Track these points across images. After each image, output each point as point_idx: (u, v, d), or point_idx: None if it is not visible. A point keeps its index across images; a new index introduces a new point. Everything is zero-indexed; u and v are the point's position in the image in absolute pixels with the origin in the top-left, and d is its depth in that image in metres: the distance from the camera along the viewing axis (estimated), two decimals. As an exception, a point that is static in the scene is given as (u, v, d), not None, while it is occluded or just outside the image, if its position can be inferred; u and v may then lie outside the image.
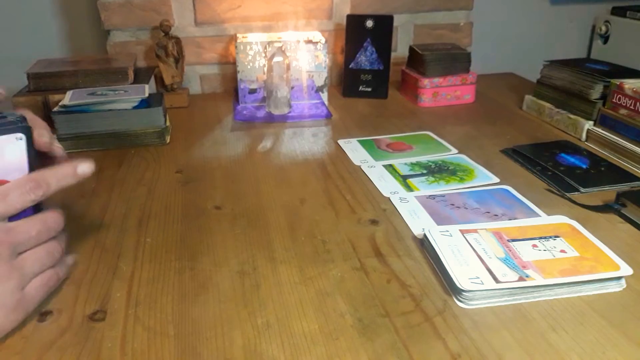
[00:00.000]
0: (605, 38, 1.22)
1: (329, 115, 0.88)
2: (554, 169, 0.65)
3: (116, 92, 0.78)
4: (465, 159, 0.70)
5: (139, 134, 0.75)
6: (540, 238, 0.48)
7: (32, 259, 0.39)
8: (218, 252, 0.50)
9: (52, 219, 0.41)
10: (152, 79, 0.94)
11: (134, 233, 0.53)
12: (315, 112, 0.89)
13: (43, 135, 0.42)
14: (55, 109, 0.74)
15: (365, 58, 0.97)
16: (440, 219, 0.54)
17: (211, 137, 0.80)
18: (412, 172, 0.66)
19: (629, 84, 0.70)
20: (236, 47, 0.90)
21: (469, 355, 0.37)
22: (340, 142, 0.77)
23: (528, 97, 0.89)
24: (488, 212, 0.56)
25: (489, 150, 0.73)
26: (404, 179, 0.64)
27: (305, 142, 0.77)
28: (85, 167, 0.43)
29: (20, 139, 0.40)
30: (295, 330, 0.39)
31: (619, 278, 0.44)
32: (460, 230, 0.49)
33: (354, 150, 0.74)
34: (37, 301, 0.41)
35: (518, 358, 0.36)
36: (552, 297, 0.43)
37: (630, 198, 0.54)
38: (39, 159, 0.42)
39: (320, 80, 0.93)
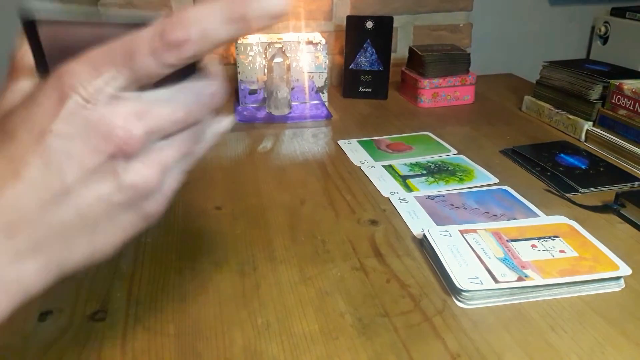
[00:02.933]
0: (605, 39, 1.22)
1: (329, 116, 0.88)
2: (553, 170, 0.65)
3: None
4: (464, 160, 0.70)
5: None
6: (540, 238, 0.49)
7: (173, 150, 0.28)
8: (218, 252, 0.50)
9: (203, 94, 0.27)
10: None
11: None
12: (316, 112, 0.89)
13: None
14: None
15: (365, 59, 0.97)
16: (439, 219, 0.55)
17: (211, 137, 0.80)
18: (411, 173, 0.66)
19: (628, 84, 0.70)
20: (236, 47, 0.90)
21: (468, 355, 0.37)
22: (340, 142, 0.77)
23: (527, 98, 0.89)
24: (487, 213, 0.56)
25: (489, 150, 0.73)
26: (403, 180, 0.64)
27: (305, 142, 0.78)
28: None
29: None
30: (295, 330, 0.39)
31: (618, 278, 0.44)
32: (459, 230, 0.50)
33: (354, 150, 0.74)
34: (169, 199, 0.29)
35: (517, 358, 0.37)
36: (551, 297, 0.43)
37: (629, 198, 0.54)
38: None
39: (320, 81, 0.93)
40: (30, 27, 0.26)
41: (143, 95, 0.25)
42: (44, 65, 0.26)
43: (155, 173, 0.26)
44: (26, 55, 0.28)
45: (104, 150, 0.24)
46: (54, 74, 0.25)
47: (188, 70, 0.26)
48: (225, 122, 0.33)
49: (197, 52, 0.24)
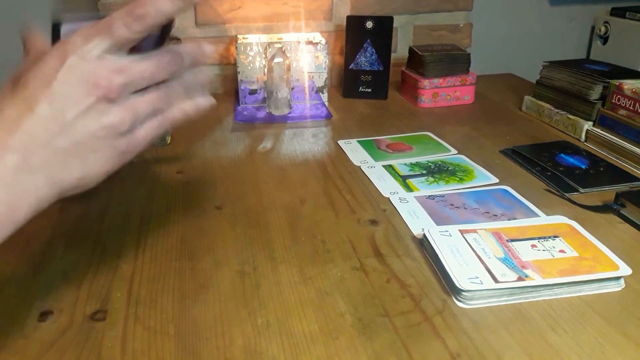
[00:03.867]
0: (605, 39, 1.22)
1: (329, 116, 0.88)
2: (553, 169, 0.65)
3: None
4: (464, 160, 0.70)
5: (139, 134, 0.75)
6: (540, 238, 0.49)
7: (145, 101, 0.37)
8: (218, 252, 0.50)
9: (167, 58, 0.37)
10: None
11: (135, 233, 0.53)
12: (316, 112, 0.89)
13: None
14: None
15: (365, 59, 0.97)
16: (439, 219, 0.55)
17: (212, 137, 0.80)
18: (411, 173, 0.66)
19: (628, 84, 0.70)
20: (236, 47, 0.90)
21: (468, 355, 0.37)
22: (340, 142, 0.77)
23: (527, 98, 0.89)
24: (487, 212, 0.56)
25: (489, 150, 0.73)
26: (403, 179, 0.64)
27: (305, 142, 0.78)
28: (209, 48, 0.41)
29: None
30: (295, 330, 0.39)
31: (618, 278, 0.44)
32: (459, 230, 0.50)
33: (354, 150, 0.74)
34: (143, 146, 0.38)
35: (517, 358, 0.37)
36: (552, 297, 0.43)
37: (630, 198, 0.54)
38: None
39: (320, 81, 0.93)
40: (56, 27, 0.39)
41: (123, 56, 0.36)
42: None
43: (128, 116, 0.36)
44: (39, 39, 0.40)
45: (93, 94, 0.34)
46: (58, 43, 0.35)
47: (161, 43, 0.38)
48: (204, 100, 0.42)
49: (155, 21, 0.35)
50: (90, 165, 0.36)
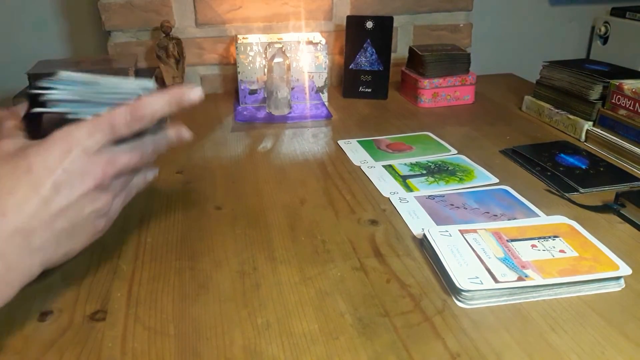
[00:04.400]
0: (605, 39, 1.22)
1: (329, 116, 0.88)
2: (554, 169, 0.65)
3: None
4: (464, 160, 0.70)
5: (140, 134, 0.75)
6: (540, 238, 0.49)
7: (122, 181, 0.42)
8: (218, 252, 0.50)
9: (150, 149, 0.43)
10: (153, 80, 0.94)
11: (135, 233, 0.53)
12: (316, 112, 0.89)
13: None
14: (56, 109, 0.74)
15: (365, 59, 0.97)
16: (439, 219, 0.55)
17: (212, 137, 0.80)
18: (411, 173, 0.66)
19: (628, 84, 0.70)
20: (237, 47, 0.90)
21: (468, 355, 0.37)
22: (340, 142, 0.77)
23: (527, 98, 0.89)
24: (487, 212, 0.56)
25: (489, 150, 0.73)
26: (403, 179, 0.64)
27: (305, 142, 0.78)
28: (195, 93, 0.46)
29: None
30: (295, 330, 0.39)
31: (618, 278, 0.44)
32: (459, 230, 0.50)
33: (354, 150, 0.74)
34: (116, 216, 0.44)
35: (517, 358, 0.37)
36: (552, 297, 0.43)
37: (629, 198, 0.54)
38: None
39: (320, 81, 0.93)
40: (36, 115, 0.41)
41: (114, 148, 0.40)
42: (37, 131, 0.40)
43: (111, 199, 0.41)
44: (9, 123, 0.42)
45: (91, 183, 0.39)
46: (62, 132, 0.38)
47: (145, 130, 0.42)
48: (152, 173, 0.47)
49: (152, 121, 0.42)
50: (75, 243, 0.40)
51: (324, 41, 0.92)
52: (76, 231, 0.39)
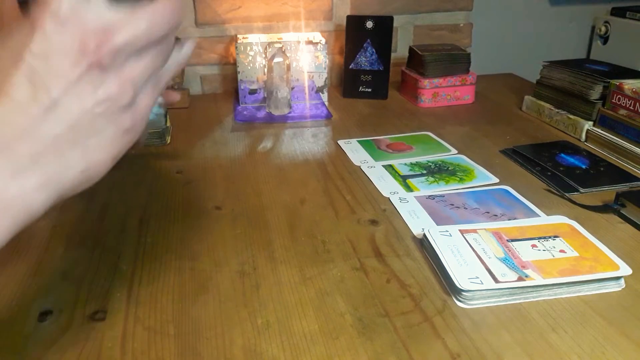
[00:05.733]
0: (605, 38, 1.22)
1: (329, 116, 0.88)
2: (554, 169, 0.65)
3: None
4: (465, 159, 0.70)
5: (139, 134, 0.75)
6: (540, 238, 0.48)
7: (144, 64, 0.30)
8: (218, 252, 0.50)
9: (164, 9, 0.30)
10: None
11: (135, 233, 0.53)
12: (316, 112, 0.89)
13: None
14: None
15: (365, 59, 0.97)
16: (439, 219, 0.55)
17: (211, 137, 0.80)
18: (411, 173, 0.66)
19: (629, 84, 0.70)
20: (236, 47, 0.90)
21: (468, 355, 0.37)
22: (340, 142, 0.77)
23: (528, 98, 0.89)
24: (487, 212, 0.56)
25: (489, 150, 0.73)
26: (403, 179, 0.64)
27: (305, 142, 0.77)
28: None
29: None
30: (295, 330, 0.39)
31: (618, 278, 0.44)
32: (459, 230, 0.50)
33: (354, 150, 0.74)
34: (147, 117, 0.32)
35: (517, 358, 0.37)
36: (552, 297, 0.43)
37: (630, 198, 0.54)
38: None
39: (320, 81, 0.93)
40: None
41: (110, 7, 0.28)
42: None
43: (127, 86, 0.29)
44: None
45: (82, 62, 0.27)
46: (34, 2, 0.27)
47: None
48: (186, 47, 0.34)
49: None
50: (92, 153, 0.29)
51: (324, 41, 0.92)
52: (83, 134, 0.28)
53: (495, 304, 0.42)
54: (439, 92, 0.93)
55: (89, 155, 0.29)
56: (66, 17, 0.27)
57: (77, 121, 0.28)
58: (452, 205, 0.58)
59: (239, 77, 0.92)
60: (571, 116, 0.78)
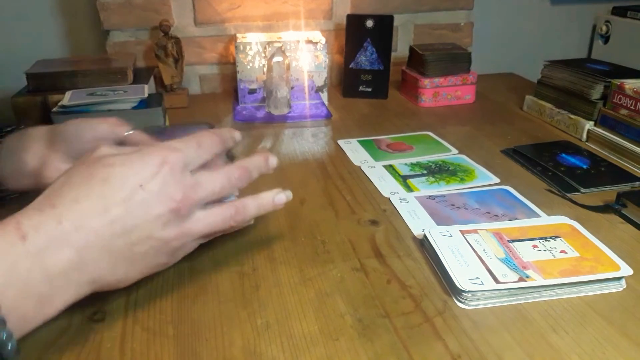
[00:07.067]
0: (606, 38, 1.22)
1: (329, 116, 0.88)
2: (555, 169, 0.65)
3: (116, 93, 0.78)
4: (465, 159, 0.70)
5: (139, 134, 0.75)
6: (541, 238, 0.48)
7: (208, 220, 0.40)
8: (218, 252, 0.50)
9: (237, 175, 0.41)
10: (152, 79, 0.94)
11: (134, 233, 0.53)
12: (315, 112, 0.89)
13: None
14: (55, 109, 0.74)
15: (365, 58, 0.97)
16: (440, 220, 0.54)
17: (211, 137, 0.80)
18: (412, 173, 0.66)
19: (630, 84, 0.70)
20: (236, 47, 0.90)
21: (469, 356, 0.37)
22: (340, 142, 0.77)
23: (528, 97, 0.89)
24: (488, 213, 0.56)
25: (490, 150, 0.73)
26: (404, 180, 0.64)
27: (305, 142, 0.77)
28: (274, 161, 0.46)
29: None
30: (295, 331, 0.39)
31: (619, 278, 0.44)
32: (460, 230, 0.49)
33: (354, 150, 0.74)
34: (184, 254, 0.41)
35: (518, 358, 0.36)
36: (553, 297, 0.42)
37: (631, 198, 0.54)
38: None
39: (320, 81, 0.93)
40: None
41: (199, 172, 0.39)
42: None
43: (183, 239, 0.38)
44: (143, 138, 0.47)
45: (167, 207, 0.35)
46: (154, 147, 0.37)
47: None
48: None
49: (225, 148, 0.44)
50: (132, 270, 0.36)
51: (323, 40, 0.91)
52: (137, 257, 0.36)
53: (496, 305, 0.42)
54: (440, 91, 0.93)
55: (129, 271, 0.36)
56: (178, 169, 0.36)
57: (140, 246, 0.35)
58: (453, 205, 0.57)
59: (239, 76, 0.92)
60: (572, 116, 0.78)
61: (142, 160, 0.36)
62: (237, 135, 0.45)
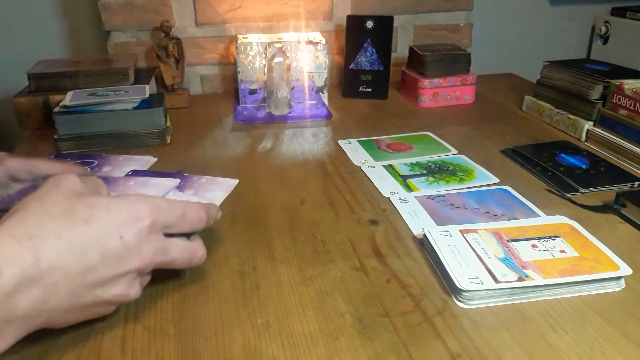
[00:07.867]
0: (605, 38, 1.22)
1: (329, 116, 0.88)
2: (554, 169, 0.65)
3: (117, 93, 0.78)
4: (465, 159, 0.70)
5: (140, 134, 0.75)
6: (540, 238, 0.48)
7: (146, 280, 0.40)
8: (218, 252, 0.50)
9: (199, 254, 0.42)
10: (153, 80, 0.94)
11: (134, 233, 0.53)
12: (316, 112, 0.89)
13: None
14: (56, 109, 0.74)
15: (365, 59, 0.97)
16: (440, 219, 0.55)
17: (211, 137, 0.80)
18: (412, 173, 0.66)
19: (629, 84, 0.70)
20: (236, 47, 0.90)
21: (468, 356, 0.37)
22: (340, 142, 0.77)
23: (528, 98, 0.89)
24: (488, 213, 0.56)
25: (489, 150, 0.73)
26: (403, 179, 0.64)
27: (305, 142, 0.77)
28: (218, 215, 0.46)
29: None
30: (295, 330, 0.39)
31: (618, 278, 0.44)
32: (459, 230, 0.50)
33: (354, 150, 0.74)
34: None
35: (517, 358, 0.37)
36: (552, 297, 0.43)
37: (630, 198, 0.54)
38: None
39: (320, 81, 0.93)
40: None
41: (170, 241, 0.39)
42: None
43: (135, 295, 0.38)
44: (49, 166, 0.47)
45: (135, 265, 0.35)
46: (140, 197, 0.37)
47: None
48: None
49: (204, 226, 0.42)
50: (80, 316, 0.36)
51: (324, 41, 0.92)
52: (89, 308, 0.35)
53: (496, 304, 0.42)
54: (439, 92, 0.93)
55: (77, 317, 0.36)
56: (157, 229, 0.37)
57: (97, 299, 0.35)
58: (452, 205, 0.58)
59: (239, 77, 0.92)
60: (571, 116, 0.78)
61: (128, 209, 0.35)
62: (219, 215, 0.45)
